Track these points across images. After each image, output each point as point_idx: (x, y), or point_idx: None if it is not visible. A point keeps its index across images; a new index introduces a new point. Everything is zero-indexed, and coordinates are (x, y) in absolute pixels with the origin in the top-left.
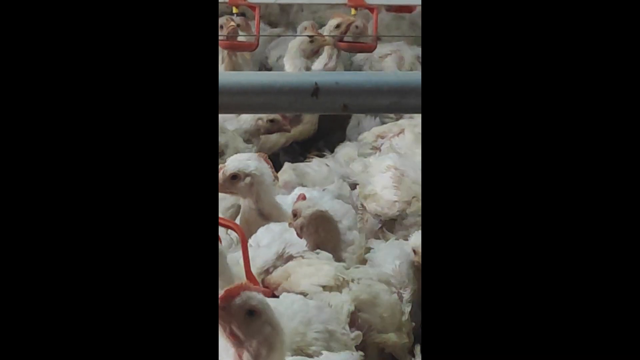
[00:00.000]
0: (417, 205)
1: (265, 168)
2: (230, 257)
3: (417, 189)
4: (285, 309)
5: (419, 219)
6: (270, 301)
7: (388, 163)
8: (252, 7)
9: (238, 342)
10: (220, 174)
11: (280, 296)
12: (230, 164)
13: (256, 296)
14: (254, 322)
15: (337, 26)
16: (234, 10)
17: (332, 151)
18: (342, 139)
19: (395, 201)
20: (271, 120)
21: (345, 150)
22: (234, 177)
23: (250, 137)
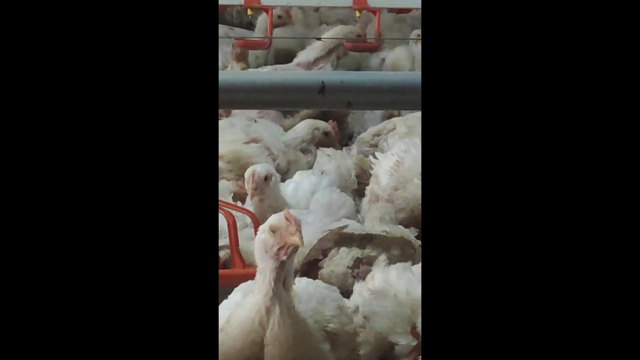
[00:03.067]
0: (402, 193)
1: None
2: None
3: (409, 175)
4: (302, 291)
5: (408, 203)
6: None
7: (399, 148)
8: (265, 9)
9: None
10: (256, 178)
11: (295, 280)
12: (258, 169)
13: None
14: None
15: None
16: (249, 12)
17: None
18: (345, 132)
19: (386, 186)
20: (326, 133)
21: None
22: (266, 178)
23: (307, 145)
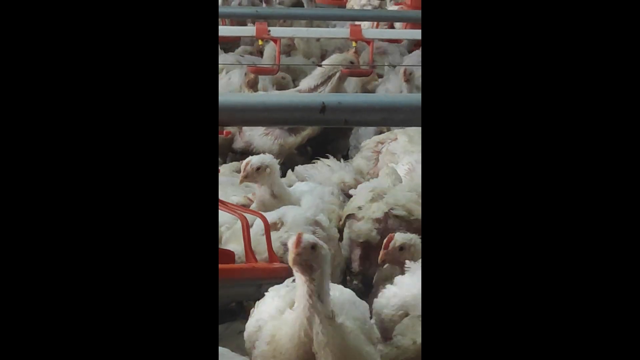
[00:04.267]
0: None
1: (275, 161)
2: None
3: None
4: (338, 301)
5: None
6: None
7: (409, 159)
8: (274, 40)
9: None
10: (248, 167)
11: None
12: (254, 160)
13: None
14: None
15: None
16: (260, 42)
17: (345, 157)
18: (346, 144)
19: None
20: None
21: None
22: (258, 168)
23: None
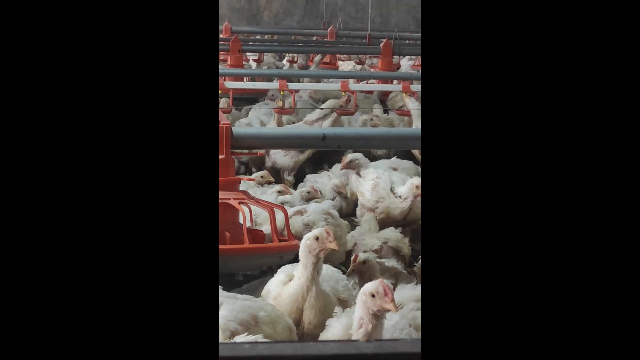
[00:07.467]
0: (382, 204)
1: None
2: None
3: (383, 193)
4: (324, 274)
5: (385, 210)
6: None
7: (373, 176)
8: (291, 91)
9: None
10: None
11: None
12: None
13: None
14: None
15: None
16: (281, 93)
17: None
18: (338, 159)
19: (370, 199)
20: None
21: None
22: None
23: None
